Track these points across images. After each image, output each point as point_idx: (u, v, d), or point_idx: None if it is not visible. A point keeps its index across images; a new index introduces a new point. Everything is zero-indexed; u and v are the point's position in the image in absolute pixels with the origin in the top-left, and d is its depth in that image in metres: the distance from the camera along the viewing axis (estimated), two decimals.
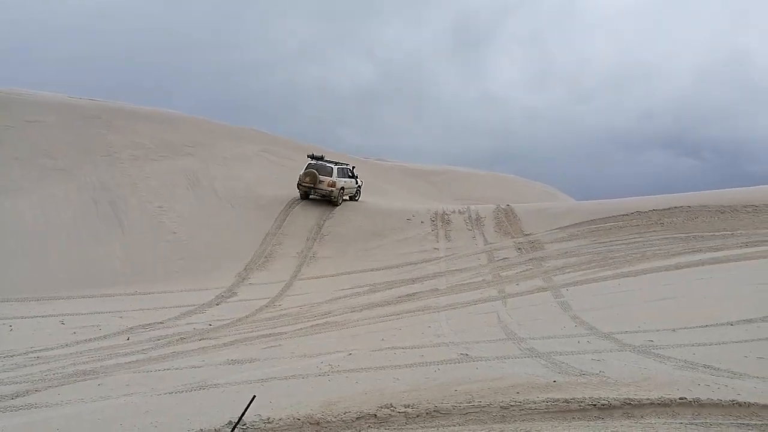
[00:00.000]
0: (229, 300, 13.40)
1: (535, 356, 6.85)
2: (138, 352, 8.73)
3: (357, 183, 21.54)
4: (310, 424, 4.82)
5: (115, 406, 5.84)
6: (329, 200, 20.11)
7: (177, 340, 9.53)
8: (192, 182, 21.05)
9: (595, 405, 4.87)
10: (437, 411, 4.95)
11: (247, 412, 3.94)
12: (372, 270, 15.98)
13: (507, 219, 19.37)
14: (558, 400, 5.04)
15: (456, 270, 15.05)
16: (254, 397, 4.00)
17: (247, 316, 11.59)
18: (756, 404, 4.63)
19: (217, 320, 11.24)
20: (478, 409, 4.95)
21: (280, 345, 8.79)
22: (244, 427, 4.70)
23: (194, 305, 12.56)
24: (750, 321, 7.54)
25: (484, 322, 9.37)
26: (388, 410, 4.98)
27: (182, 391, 6.17)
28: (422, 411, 4.95)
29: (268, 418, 4.91)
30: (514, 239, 17.37)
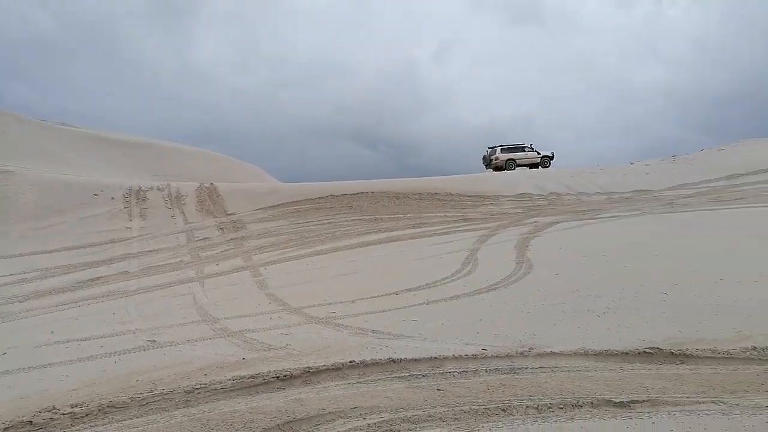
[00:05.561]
0: None
1: (228, 336, 6.89)
2: None
3: (538, 154, 29.48)
4: None
5: None
6: (502, 169, 28.82)
7: None
8: None
9: (278, 377, 5.15)
10: (111, 406, 4.52)
11: None
12: (46, 252, 13.65)
13: (210, 198, 18.90)
14: (245, 377, 5.16)
15: (151, 251, 14.01)
16: None
17: None
18: (406, 359, 5.58)
19: None
20: (161, 398, 4.72)
21: None
22: None
23: None
24: (409, 290, 9.06)
25: (177, 305, 8.97)
26: (49, 413, 4.33)
27: None
28: (93, 408, 4.46)
29: None
30: (217, 219, 17.08)
